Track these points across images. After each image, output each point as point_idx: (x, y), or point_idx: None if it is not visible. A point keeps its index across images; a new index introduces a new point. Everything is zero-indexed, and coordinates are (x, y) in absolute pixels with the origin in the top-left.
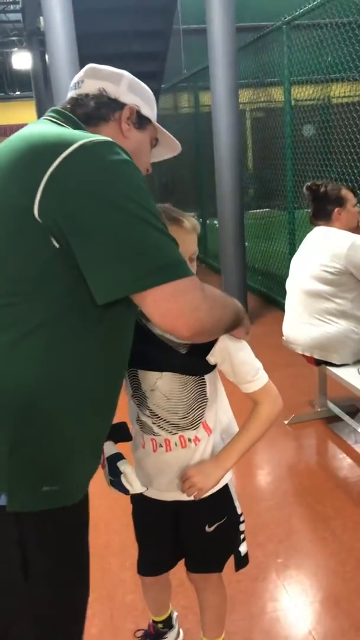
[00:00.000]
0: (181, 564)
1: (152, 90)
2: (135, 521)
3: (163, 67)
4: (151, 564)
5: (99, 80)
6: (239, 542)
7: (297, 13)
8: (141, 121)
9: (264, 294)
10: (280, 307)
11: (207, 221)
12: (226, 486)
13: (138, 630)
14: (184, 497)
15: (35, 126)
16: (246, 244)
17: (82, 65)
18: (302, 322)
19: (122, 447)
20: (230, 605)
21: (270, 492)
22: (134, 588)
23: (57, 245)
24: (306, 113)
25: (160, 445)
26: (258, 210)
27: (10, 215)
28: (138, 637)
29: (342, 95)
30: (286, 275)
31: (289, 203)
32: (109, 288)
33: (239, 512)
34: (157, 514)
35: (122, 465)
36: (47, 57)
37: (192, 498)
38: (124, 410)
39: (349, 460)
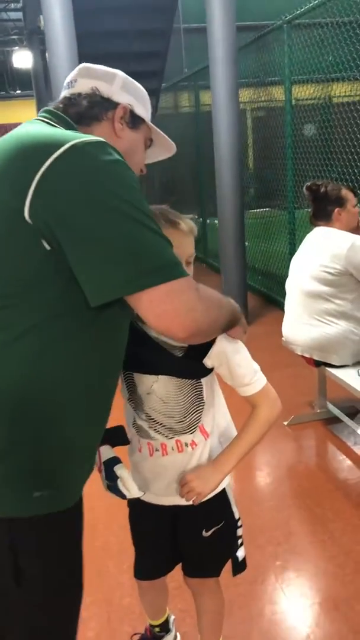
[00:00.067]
0: (178, 568)
1: (152, 89)
2: (132, 525)
3: (163, 66)
4: (148, 568)
5: (92, 79)
6: (236, 547)
7: (298, 12)
8: (135, 121)
9: (264, 294)
10: (281, 307)
11: (208, 221)
12: (224, 490)
13: (135, 634)
14: (182, 502)
15: (27, 126)
16: (246, 243)
17: None
18: (302, 323)
19: (119, 451)
20: (229, 608)
21: (269, 493)
22: (131, 591)
23: (48, 248)
24: (307, 112)
25: (157, 450)
26: (258, 210)
27: (2, 217)
28: None
29: (342, 95)
30: (286, 275)
31: (289, 203)
32: (102, 290)
33: (237, 516)
34: (154, 518)
35: (119, 470)
36: (47, 55)
37: (190, 503)
38: (120, 414)
39: (348, 462)
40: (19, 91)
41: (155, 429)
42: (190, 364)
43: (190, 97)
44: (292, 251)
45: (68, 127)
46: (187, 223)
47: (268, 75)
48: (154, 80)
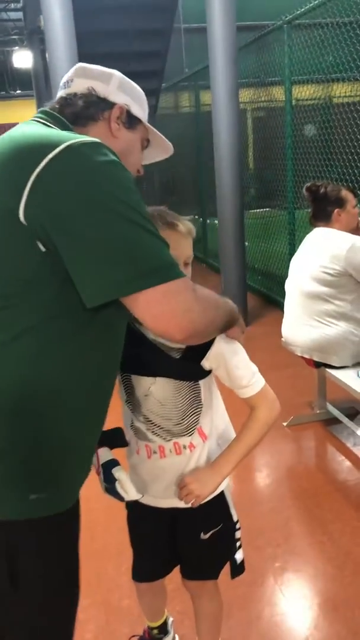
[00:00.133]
0: (177, 570)
1: (152, 89)
2: (131, 527)
3: (163, 66)
4: (146, 570)
5: (89, 79)
6: (234, 550)
7: (298, 12)
8: (131, 121)
9: (264, 294)
10: (280, 307)
11: (208, 221)
12: (222, 493)
13: (133, 636)
14: (180, 504)
15: (22, 127)
16: (246, 243)
17: None
18: (301, 324)
19: (118, 453)
20: (227, 610)
21: (268, 495)
22: (129, 593)
23: (43, 249)
24: (307, 113)
25: (155, 452)
26: (258, 210)
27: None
28: None
29: (343, 95)
30: (286, 276)
31: (289, 203)
32: (97, 291)
33: (235, 519)
34: (152, 520)
35: (117, 472)
36: (47, 55)
37: (189, 505)
38: (119, 415)
39: (347, 463)
40: (19, 91)
41: (153, 431)
42: (188, 365)
43: (191, 97)
44: (292, 251)
45: (64, 127)
46: (185, 224)
47: (268, 76)
48: (154, 80)
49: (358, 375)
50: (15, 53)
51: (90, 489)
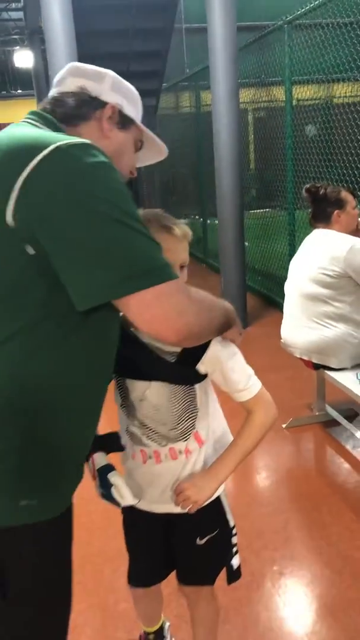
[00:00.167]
0: (174, 574)
1: (152, 89)
2: (126, 532)
3: (164, 65)
4: (142, 575)
5: (81, 78)
6: (231, 555)
7: (299, 12)
8: (124, 121)
9: (264, 295)
10: (280, 308)
11: (208, 221)
12: (218, 498)
13: None
14: (176, 509)
15: (12, 129)
16: (246, 244)
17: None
18: (301, 326)
19: (114, 457)
20: (224, 614)
21: (266, 497)
22: (126, 596)
23: (32, 252)
24: (307, 113)
25: (150, 457)
26: (258, 210)
27: None
28: None
29: (343, 96)
30: (286, 277)
31: (289, 204)
32: (89, 294)
33: (232, 524)
34: (148, 525)
35: (113, 477)
36: (46, 55)
37: (185, 511)
38: (115, 420)
39: (346, 465)
40: (19, 91)
41: (148, 436)
42: (183, 369)
43: (191, 97)
44: (292, 252)
45: (54, 128)
46: (181, 228)
47: (269, 76)
48: (155, 80)
49: (357, 378)
50: (16, 53)
51: (89, 491)
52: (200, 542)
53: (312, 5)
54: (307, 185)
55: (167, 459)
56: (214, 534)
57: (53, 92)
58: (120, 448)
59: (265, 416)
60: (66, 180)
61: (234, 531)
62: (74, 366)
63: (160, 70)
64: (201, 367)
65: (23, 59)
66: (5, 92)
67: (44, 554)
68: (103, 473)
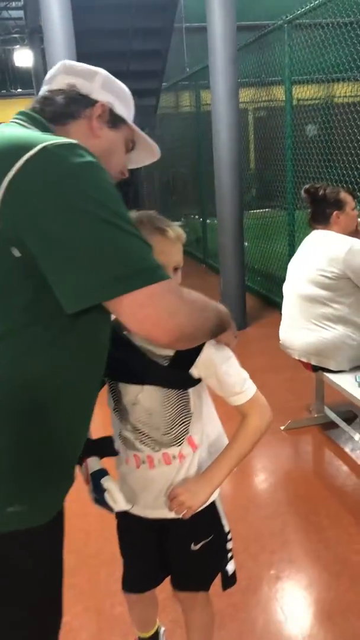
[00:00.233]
0: (169, 579)
1: (152, 88)
2: (120, 537)
3: (164, 65)
4: (136, 580)
5: (71, 76)
6: (226, 561)
7: (299, 12)
8: (115, 120)
9: (263, 296)
10: (280, 309)
11: (208, 221)
12: (213, 503)
13: None
14: (170, 515)
15: (0, 130)
16: (246, 244)
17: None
18: (299, 327)
19: (109, 462)
20: (220, 618)
21: (264, 500)
22: (122, 600)
23: (18, 254)
24: (307, 113)
25: (143, 462)
26: (258, 210)
27: None
28: None
29: (343, 95)
30: (285, 277)
31: (288, 204)
32: (78, 296)
33: (227, 529)
34: (141, 530)
35: (106, 482)
36: (45, 54)
37: (180, 516)
38: (109, 424)
39: (345, 468)
40: (20, 90)
41: (141, 441)
42: (176, 373)
43: (191, 96)
44: (292, 252)
45: (42, 128)
46: (175, 230)
47: (269, 76)
48: (154, 80)
49: (356, 380)
50: (16, 52)
51: (85, 493)
52: (195, 547)
53: (312, 5)
54: (306, 186)
55: (160, 464)
56: (208, 539)
57: (43, 90)
58: (114, 452)
59: (260, 420)
60: (53, 181)
61: (229, 536)
62: (63, 369)
63: (160, 70)
64: (194, 371)
65: (23, 58)
66: (5, 91)
67: (34, 559)
68: (96, 478)
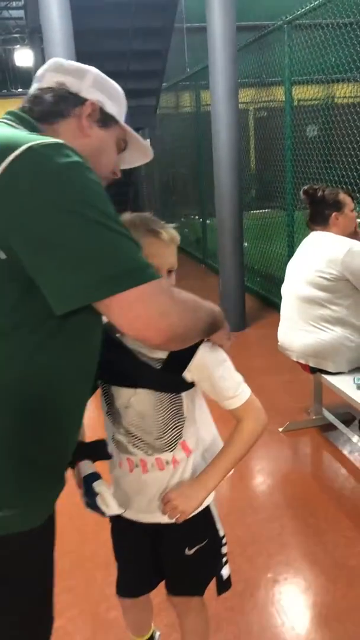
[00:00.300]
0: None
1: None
2: (114, 541)
3: (164, 65)
4: (130, 585)
5: (60, 74)
6: (221, 565)
7: (298, 12)
8: (105, 119)
9: (262, 296)
10: (279, 309)
11: (208, 221)
12: (208, 507)
13: None
14: (164, 519)
15: None
16: (245, 244)
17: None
18: (297, 329)
19: (103, 465)
20: (216, 622)
21: (262, 502)
22: (118, 603)
23: (2, 257)
24: (307, 114)
25: (137, 466)
26: (258, 211)
27: None
28: None
29: (343, 96)
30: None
31: (288, 204)
32: (67, 297)
33: (221, 534)
34: (135, 535)
35: (98, 486)
36: (44, 54)
37: (173, 521)
38: (102, 427)
39: (343, 471)
40: (20, 89)
41: (134, 444)
42: (169, 377)
43: (192, 96)
44: (291, 253)
45: (30, 128)
46: (169, 232)
47: (269, 76)
48: (155, 80)
49: (354, 382)
50: (17, 51)
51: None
52: (189, 552)
53: (312, 5)
54: (305, 187)
55: (153, 469)
56: (203, 544)
57: (33, 88)
58: (107, 456)
59: (255, 424)
60: (39, 181)
61: (223, 541)
62: (52, 371)
63: (160, 70)
64: (188, 375)
65: (23, 57)
66: (5, 90)
67: (23, 564)
68: (88, 481)
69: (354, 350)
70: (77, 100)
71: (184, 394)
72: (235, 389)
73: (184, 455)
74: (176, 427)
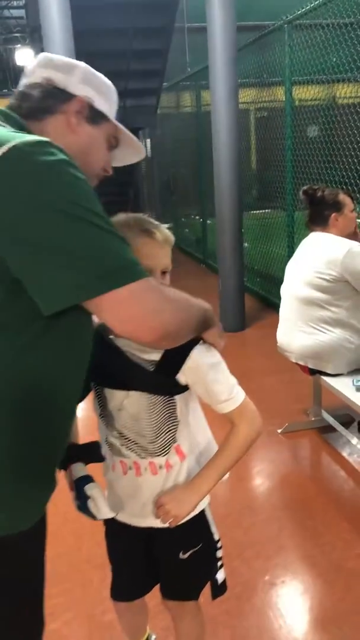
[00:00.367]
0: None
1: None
2: (108, 544)
3: (164, 65)
4: (124, 588)
5: (49, 69)
6: (216, 570)
7: (299, 12)
8: (95, 116)
9: (263, 297)
10: (279, 310)
11: (208, 221)
12: (202, 511)
13: None
14: (157, 524)
15: None
16: (246, 244)
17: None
18: (296, 330)
19: (97, 467)
20: (213, 626)
21: (260, 505)
22: (113, 607)
23: None
24: (307, 114)
25: (130, 468)
26: (259, 211)
27: None
28: None
29: (344, 97)
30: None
31: (288, 205)
32: (55, 297)
33: (216, 538)
34: (129, 538)
35: (90, 490)
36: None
37: (166, 525)
38: (96, 428)
39: (342, 473)
40: None
41: (127, 447)
42: (162, 379)
43: (192, 96)
44: (291, 254)
45: (17, 126)
46: (163, 232)
47: (269, 76)
48: (155, 79)
49: (353, 384)
50: (18, 51)
51: None
52: (184, 556)
53: (312, 5)
54: (305, 187)
55: (147, 472)
56: (197, 548)
57: (21, 84)
58: (101, 458)
59: (249, 429)
60: (23, 180)
61: (218, 545)
62: (42, 372)
63: (160, 70)
64: (182, 377)
65: (24, 57)
66: (6, 90)
67: (13, 567)
68: (80, 484)
69: (353, 352)
70: (64, 96)
71: (177, 397)
72: (230, 392)
73: (177, 460)
74: (169, 430)
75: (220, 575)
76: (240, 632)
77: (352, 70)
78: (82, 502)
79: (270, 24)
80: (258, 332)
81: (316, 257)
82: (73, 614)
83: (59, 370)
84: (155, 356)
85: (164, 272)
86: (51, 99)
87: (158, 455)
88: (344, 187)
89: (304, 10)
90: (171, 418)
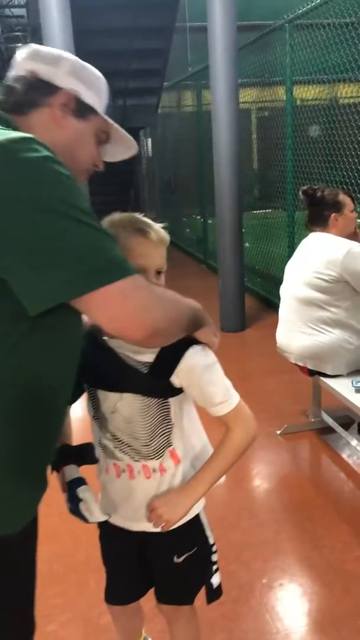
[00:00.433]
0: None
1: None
2: (102, 547)
3: (165, 64)
4: (119, 592)
5: (34, 61)
6: (211, 574)
7: (300, 12)
8: (82, 110)
9: (263, 297)
10: (279, 310)
11: (209, 221)
12: (197, 515)
13: None
14: (150, 528)
15: None
16: (246, 244)
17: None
18: (295, 331)
19: (91, 470)
20: (210, 629)
21: (258, 506)
22: None
23: None
24: (308, 114)
25: (124, 471)
26: (259, 211)
27: None
28: None
29: (344, 96)
30: None
31: (288, 205)
32: (42, 296)
33: (211, 542)
34: (123, 541)
35: (82, 492)
36: None
37: (159, 530)
38: (90, 430)
39: (341, 474)
40: None
41: (121, 449)
42: (156, 381)
43: (193, 96)
44: (291, 254)
45: (1, 121)
46: (158, 232)
47: (270, 75)
48: (156, 79)
49: (353, 385)
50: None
51: None
52: (178, 560)
53: (313, 4)
54: (304, 187)
55: (140, 475)
56: (192, 552)
57: (7, 77)
58: (94, 460)
59: (244, 433)
60: (7, 178)
61: (213, 548)
62: (30, 373)
63: (161, 69)
64: (176, 379)
65: None
66: None
67: (3, 570)
68: (73, 487)
69: (352, 352)
70: (49, 88)
71: (171, 400)
72: (224, 394)
73: (172, 464)
74: (164, 433)
75: (215, 580)
76: (237, 635)
77: (353, 69)
78: (75, 505)
79: (271, 24)
80: (258, 332)
81: (316, 257)
82: (70, 616)
83: (48, 370)
84: (149, 358)
85: (158, 272)
86: (35, 92)
87: (152, 459)
88: (345, 187)
89: (305, 9)
90: (165, 421)
